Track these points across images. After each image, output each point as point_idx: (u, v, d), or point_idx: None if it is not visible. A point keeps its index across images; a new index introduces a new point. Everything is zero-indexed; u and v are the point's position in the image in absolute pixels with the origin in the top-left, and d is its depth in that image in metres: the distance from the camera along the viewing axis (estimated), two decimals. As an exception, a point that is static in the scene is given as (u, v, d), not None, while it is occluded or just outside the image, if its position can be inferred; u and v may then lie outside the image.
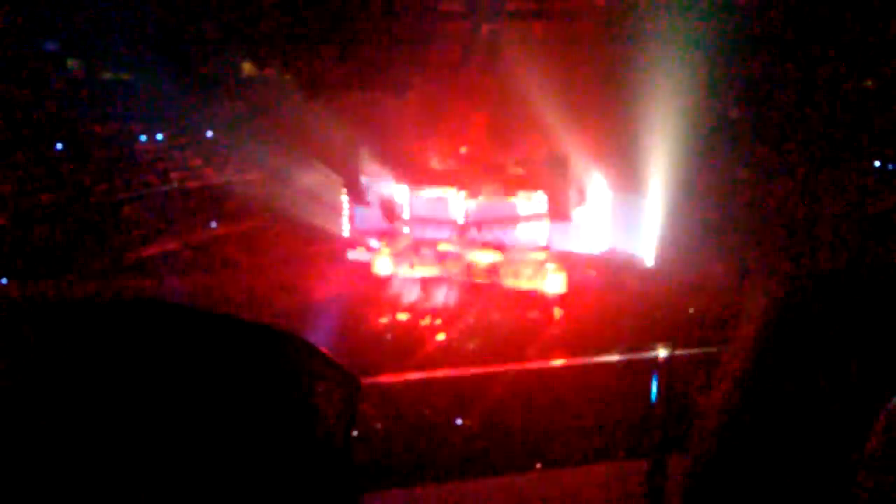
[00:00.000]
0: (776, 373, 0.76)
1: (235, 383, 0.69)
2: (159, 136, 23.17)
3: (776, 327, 0.78)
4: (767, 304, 0.79)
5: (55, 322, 0.70)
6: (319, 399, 0.73)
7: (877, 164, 20.27)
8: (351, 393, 0.77)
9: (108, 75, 21.42)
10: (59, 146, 20.99)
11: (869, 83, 19.79)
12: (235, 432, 0.67)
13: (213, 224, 21.56)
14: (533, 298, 17.90)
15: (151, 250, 19.61)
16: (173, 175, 22.71)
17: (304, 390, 0.73)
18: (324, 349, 0.80)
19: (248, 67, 20.94)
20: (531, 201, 19.65)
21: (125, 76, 21.21)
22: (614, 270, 18.64)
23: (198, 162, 23.64)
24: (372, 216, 20.78)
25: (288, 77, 20.13)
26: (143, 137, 22.85)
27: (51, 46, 20.08)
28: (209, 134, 23.57)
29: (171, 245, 20.10)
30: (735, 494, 0.74)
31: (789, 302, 0.79)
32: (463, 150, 21.20)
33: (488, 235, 19.65)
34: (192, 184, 22.75)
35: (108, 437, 0.63)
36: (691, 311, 16.04)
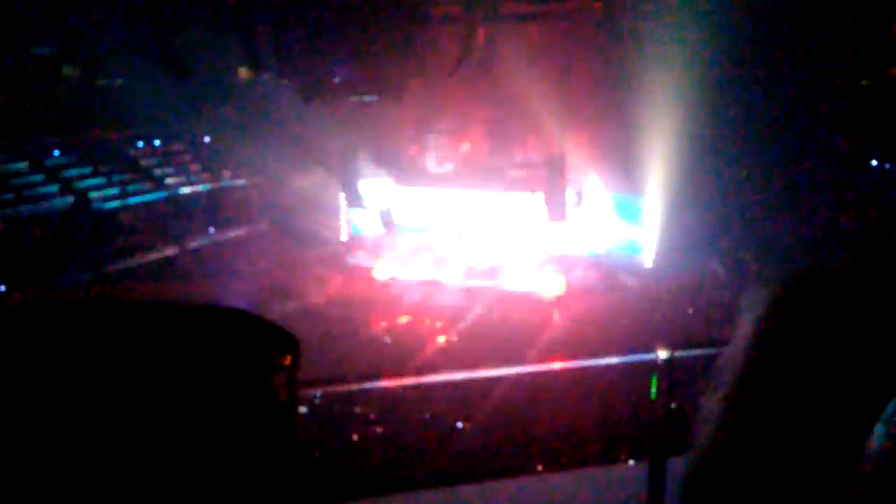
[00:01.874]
0: (776, 373, 0.75)
1: (183, 365, 0.70)
2: (156, 142, 23.18)
3: (775, 327, 0.77)
4: (766, 303, 0.79)
5: None
6: (263, 363, 0.76)
7: (874, 163, 20.30)
8: (291, 352, 0.80)
9: (104, 81, 21.42)
10: (56, 152, 20.98)
11: (866, 83, 19.82)
12: (190, 410, 0.68)
13: (211, 229, 21.56)
14: (531, 300, 17.91)
15: (149, 256, 19.59)
16: (170, 180, 22.72)
17: (248, 357, 0.75)
18: (259, 314, 0.82)
19: (244, 72, 20.94)
20: (529, 203, 19.67)
21: (122, 82, 21.21)
22: (612, 271, 18.66)
23: (195, 167, 23.65)
24: (370, 220, 20.79)
25: (284, 82, 20.13)
26: (140, 143, 22.85)
27: (47, 52, 20.08)
28: (206, 139, 23.59)
29: (169, 251, 20.09)
30: (735, 496, 0.73)
31: (788, 301, 0.79)
32: (465, 147, 21.24)
33: (486, 238, 19.66)
34: (190, 189, 22.76)
35: (69, 435, 0.64)
36: (690, 311, 16.05)
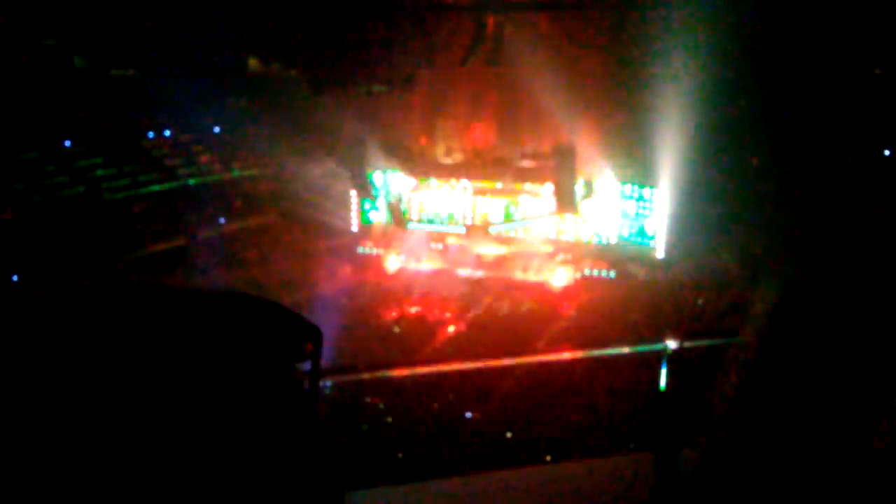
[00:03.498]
0: (787, 365, 0.76)
1: (210, 351, 0.72)
2: (167, 133, 23.21)
3: (786, 319, 0.78)
4: (777, 295, 0.80)
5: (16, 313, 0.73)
6: (286, 351, 0.78)
7: (886, 153, 20.14)
8: (313, 341, 0.83)
9: (115, 72, 21.45)
10: (67, 143, 21.05)
11: (877, 72, 19.64)
12: (217, 395, 0.70)
13: (222, 220, 21.60)
14: (541, 290, 17.90)
15: (160, 246, 19.67)
16: (181, 171, 22.75)
17: (272, 345, 0.77)
18: (284, 305, 0.85)
19: (254, 63, 20.93)
20: (539, 194, 19.62)
21: (132, 73, 21.24)
22: (622, 262, 18.61)
23: (205, 158, 23.68)
24: (380, 210, 20.79)
25: (294, 73, 20.11)
26: (151, 134, 22.89)
27: (57, 43, 20.11)
28: (216, 130, 23.61)
29: (180, 241, 20.15)
30: (745, 484, 0.74)
31: (799, 293, 0.80)
32: (475, 137, 21.18)
33: (496, 228, 19.64)
34: (200, 180, 22.79)
35: (95, 412, 0.65)
36: (700, 302, 16.01)
